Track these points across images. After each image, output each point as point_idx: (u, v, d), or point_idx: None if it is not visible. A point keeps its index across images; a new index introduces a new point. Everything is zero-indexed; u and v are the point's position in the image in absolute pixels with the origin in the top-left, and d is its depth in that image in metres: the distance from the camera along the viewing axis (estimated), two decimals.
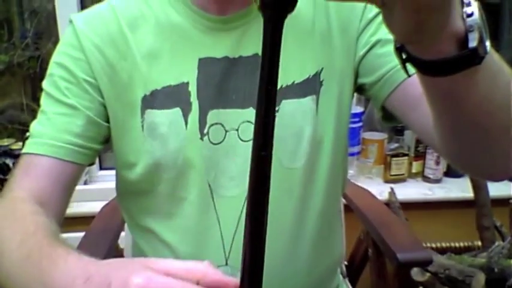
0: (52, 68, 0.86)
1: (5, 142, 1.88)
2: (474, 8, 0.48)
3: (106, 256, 1.12)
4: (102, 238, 1.21)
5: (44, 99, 0.86)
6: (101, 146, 0.88)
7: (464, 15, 0.48)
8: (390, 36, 0.47)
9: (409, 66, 0.53)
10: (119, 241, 1.34)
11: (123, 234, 1.35)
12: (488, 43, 0.50)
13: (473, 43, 0.48)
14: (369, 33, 0.85)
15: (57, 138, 0.82)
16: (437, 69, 0.51)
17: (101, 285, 0.50)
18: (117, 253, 1.33)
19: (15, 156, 1.84)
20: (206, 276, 0.48)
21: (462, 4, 0.48)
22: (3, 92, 2.32)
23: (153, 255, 0.89)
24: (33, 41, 2.29)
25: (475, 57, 0.49)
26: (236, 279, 0.45)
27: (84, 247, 1.14)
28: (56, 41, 2.10)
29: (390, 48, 0.72)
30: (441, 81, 0.53)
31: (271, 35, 0.39)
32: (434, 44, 0.48)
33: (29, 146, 0.83)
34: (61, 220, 0.82)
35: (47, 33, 2.27)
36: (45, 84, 0.86)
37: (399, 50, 0.53)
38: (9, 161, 1.85)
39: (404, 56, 0.52)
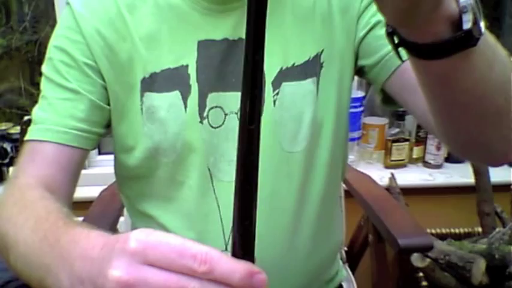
0: (51, 52, 0.84)
1: (3, 126, 1.88)
2: None
3: None
4: (101, 223, 1.20)
5: (44, 84, 0.84)
6: (105, 130, 0.87)
7: None
8: None
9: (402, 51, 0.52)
10: (118, 226, 1.34)
11: (122, 219, 1.35)
12: (482, 24, 0.49)
13: (467, 25, 0.48)
14: (369, 14, 0.83)
15: (61, 124, 0.81)
16: (431, 52, 0.50)
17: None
18: None
19: (13, 140, 1.84)
20: (214, 269, 0.41)
21: None
22: (1, 76, 2.31)
23: None
24: (31, 24, 2.28)
25: (469, 39, 0.49)
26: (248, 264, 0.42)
27: None
28: (54, 24, 2.07)
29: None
30: (435, 65, 0.52)
31: (256, 5, 0.38)
32: (427, 27, 0.48)
33: (33, 133, 0.82)
34: (70, 206, 0.81)
35: (44, 17, 2.26)
36: (44, 68, 0.85)
37: (391, 34, 0.52)
38: (7, 145, 1.84)
39: (396, 41, 0.52)
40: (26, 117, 1.83)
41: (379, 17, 0.82)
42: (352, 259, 1.56)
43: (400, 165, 2.02)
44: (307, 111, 0.83)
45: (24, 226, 0.66)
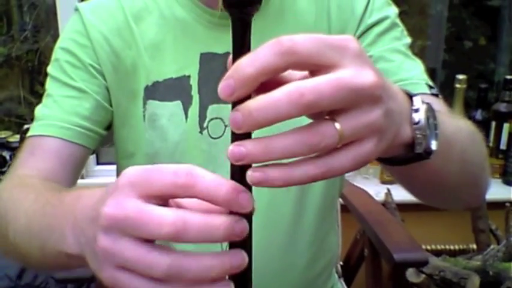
0: (57, 54, 0.86)
1: (2, 134, 1.88)
2: (421, 115, 0.49)
3: None
4: None
5: (49, 83, 0.86)
6: (105, 132, 0.88)
7: (412, 123, 0.49)
8: (386, 52, 0.47)
9: None
10: None
11: None
12: (434, 143, 0.51)
13: (419, 150, 0.50)
14: (366, 42, 0.84)
15: (64, 120, 0.82)
16: (387, 161, 0.53)
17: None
18: None
19: (12, 148, 1.84)
20: (198, 182, 0.40)
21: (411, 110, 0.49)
22: (1, 85, 2.32)
23: None
24: (32, 34, 2.29)
25: (422, 157, 0.51)
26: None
27: None
28: (55, 34, 2.10)
29: (382, 66, 0.74)
30: (394, 167, 0.55)
31: (240, 33, 0.39)
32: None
33: (35, 129, 0.82)
34: None
35: (45, 27, 2.27)
36: (50, 69, 0.86)
37: None
38: (6, 154, 1.84)
39: None
40: (25, 126, 1.84)
41: (373, 51, 0.83)
42: (348, 273, 1.56)
43: None
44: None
45: (25, 200, 0.66)
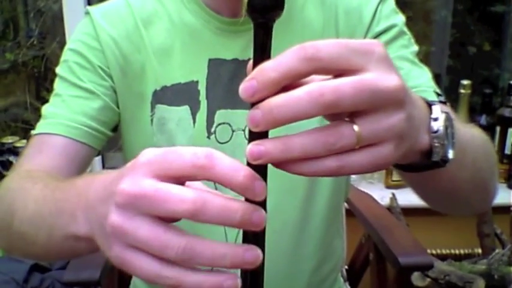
0: (67, 55, 0.87)
1: (9, 139, 1.89)
2: (440, 124, 0.49)
3: None
4: None
5: (58, 83, 0.86)
6: (112, 133, 0.88)
7: (431, 131, 0.49)
8: (393, 60, 0.48)
9: None
10: None
11: None
12: (451, 152, 0.52)
13: (436, 158, 0.50)
14: None
15: (72, 119, 0.82)
16: (403, 168, 0.54)
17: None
18: None
19: (19, 154, 1.85)
20: (216, 164, 0.40)
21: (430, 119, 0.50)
22: (8, 91, 2.33)
23: None
24: (38, 40, 2.31)
25: (438, 165, 0.51)
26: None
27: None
28: (61, 40, 2.11)
29: None
30: (407, 173, 0.55)
31: (262, 38, 0.40)
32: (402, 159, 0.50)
33: (42, 127, 0.83)
34: None
35: (51, 33, 2.28)
36: (59, 69, 0.87)
37: None
38: (12, 158, 1.85)
39: None
40: (32, 132, 1.85)
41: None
42: (353, 277, 1.56)
43: (401, 185, 2.01)
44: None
45: (33, 188, 0.66)
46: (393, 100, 0.39)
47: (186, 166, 0.40)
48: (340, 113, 0.39)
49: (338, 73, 0.39)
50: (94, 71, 0.85)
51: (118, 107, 0.87)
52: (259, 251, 0.40)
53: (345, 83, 0.37)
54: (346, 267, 1.56)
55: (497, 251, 1.70)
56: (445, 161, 0.51)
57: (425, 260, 1.16)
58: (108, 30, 0.85)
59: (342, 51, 0.38)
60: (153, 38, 0.85)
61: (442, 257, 1.83)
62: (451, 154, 0.52)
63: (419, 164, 0.52)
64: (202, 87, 0.84)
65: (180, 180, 0.41)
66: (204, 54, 0.84)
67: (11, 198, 0.69)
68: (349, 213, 1.47)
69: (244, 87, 0.38)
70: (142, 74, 0.85)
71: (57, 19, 2.16)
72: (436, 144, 0.49)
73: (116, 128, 0.89)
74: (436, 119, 0.49)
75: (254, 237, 0.41)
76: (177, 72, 0.84)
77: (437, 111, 0.50)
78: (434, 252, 1.88)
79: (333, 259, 0.99)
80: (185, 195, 0.39)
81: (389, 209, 1.79)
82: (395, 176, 2.00)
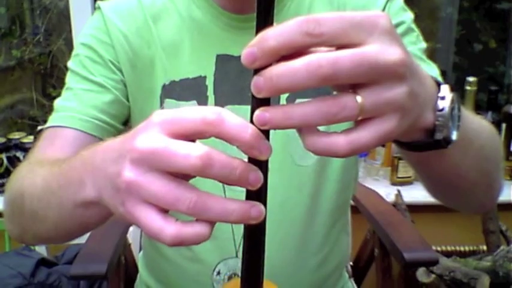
0: (78, 49, 0.88)
1: (16, 135, 1.90)
2: (446, 103, 0.49)
3: (116, 246, 1.14)
4: (111, 231, 1.21)
5: (69, 78, 0.87)
6: (122, 127, 0.89)
7: (436, 109, 0.49)
8: None
9: None
10: (128, 235, 1.35)
11: (131, 228, 1.36)
12: (455, 133, 0.52)
13: (439, 137, 0.50)
14: None
15: (83, 113, 0.83)
16: (406, 146, 0.54)
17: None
18: (126, 247, 1.34)
19: (26, 149, 1.86)
20: (225, 121, 0.41)
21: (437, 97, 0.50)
22: (14, 87, 2.34)
23: (162, 248, 0.91)
24: (44, 37, 2.31)
25: (441, 145, 0.51)
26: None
27: (95, 238, 1.15)
28: (67, 37, 2.12)
29: None
30: (411, 153, 0.55)
31: (265, 5, 0.40)
32: (404, 135, 0.50)
33: (54, 120, 0.84)
34: None
35: (57, 30, 2.29)
36: (70, 63, 0.88)
37: None
38: (19, 154, 1.86)
39: None
40: (39, 127, 1.86)
41: None
42: (358, 274, 1.56)
43: (406, 182, 2.02)
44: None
45: (41, 169, 0.68)
46: (393, 74, 0.40)
47: (196, 122, 0.41)
48: (344, 85, 0.40)
49: (339, 46, 0.39)
50: (105, 65, 0.86)
51: (128, 101, 0.88)
52: (262, 207, 0.42)
53: (343, 56, 0.38)
54: (351, 263, 1.56)
55: (502, 247, 1.70)
56: (448, 141, 0.51)
57: (431, 256, 1.15)
58: (118, 25, 0.86)
59: (345, 26, 0.38)
60: (163, 33, 0.86)
61: (447, 254, 1.84)
62: (454, 135, 0.52)
63: (423, 143, 0.52)
64: (210, 83, 0.85)
65: (190, 138, 0.42)
66: (212, 50, 0.85)
67: (20, 181, 0.71)
68: (355, 209, 1.46)
69: (245, 54, 0.39)
70: (151, 69, 0.86)
71: (63, 16, 2.17)
72: (440, 123, 0.49)
73: (126, 122, 0.90)
74: (443, 98, 0.50)
75: (256, 196, 0.43)
76: (186, 67, 0.85)
77: (446, 90, 0.50)
78: (439, 248, 1.88)
79: (339, 255, 1.00)
80: (193, 151, 0.40)
81: (395, 205, 1.80)
82: (401, 173, 2.01)
